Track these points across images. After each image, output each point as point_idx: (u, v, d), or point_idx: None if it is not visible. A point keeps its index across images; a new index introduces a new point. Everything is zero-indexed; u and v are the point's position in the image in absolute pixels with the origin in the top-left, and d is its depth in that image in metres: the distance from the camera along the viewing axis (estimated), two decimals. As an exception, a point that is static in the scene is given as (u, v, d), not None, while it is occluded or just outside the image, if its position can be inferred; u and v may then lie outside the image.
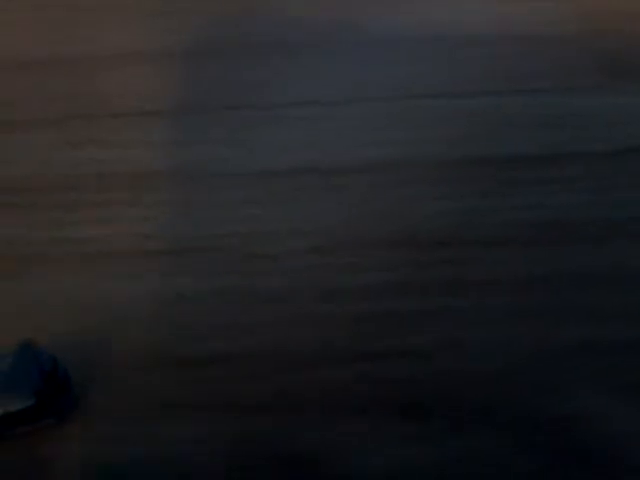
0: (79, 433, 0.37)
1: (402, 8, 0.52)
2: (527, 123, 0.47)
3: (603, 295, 0.42)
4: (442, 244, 0.43)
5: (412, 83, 0.48)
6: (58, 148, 0.47)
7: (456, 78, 0.49)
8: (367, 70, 0.49)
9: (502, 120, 0.47)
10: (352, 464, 0.37)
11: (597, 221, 0.44)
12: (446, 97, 0.48)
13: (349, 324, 0.41)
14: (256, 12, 0.51)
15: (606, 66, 0.50)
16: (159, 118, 0.48)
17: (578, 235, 0.44)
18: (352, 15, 0.51)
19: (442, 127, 0.47)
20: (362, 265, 0.43)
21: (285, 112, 0.48)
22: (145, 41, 0.50)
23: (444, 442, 0.38)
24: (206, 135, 0.47)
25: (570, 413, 0.39)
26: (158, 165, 0.46)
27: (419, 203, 0.45)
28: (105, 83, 0.49)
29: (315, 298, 0.42)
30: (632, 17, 0.52)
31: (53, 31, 0.52)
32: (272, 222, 0.44)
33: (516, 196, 0.45)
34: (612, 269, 0.43)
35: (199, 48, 0.51)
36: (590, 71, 0.50)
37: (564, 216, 0.44)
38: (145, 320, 0.41)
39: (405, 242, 0.43)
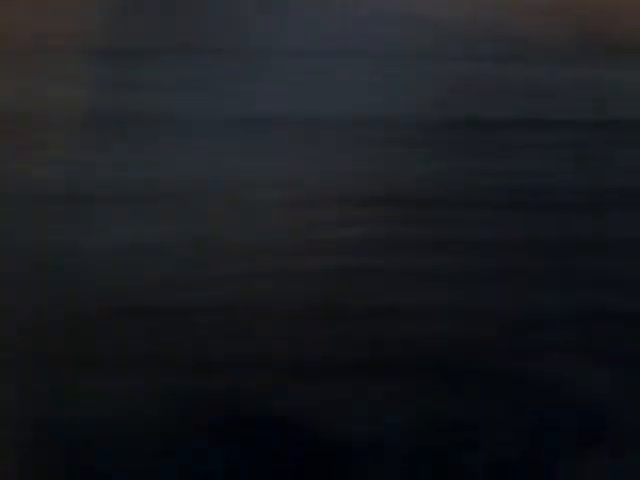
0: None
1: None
2: (514, 90, 0.46)
3: (583, 263, 0.41)
4: (424, 204, 0.42)
5: (401, 42, 0.47)
6: (20, 81, 0.45)
7: (447, 40, 0.48)
8: (360, 26, 0.48)
9: (490, 85, 0.46)
10: (335, 424, 0.36)
11: (580, 189, 0.43)
12: (436, 58, 0.47)
13: (328, 279, 0.40)
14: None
15: (593, 39, 0.50)
16: (141, 58, 0.46)
17: (561, 202, 0.43)
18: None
19: (429, 88, 0.46)
20: (342, 220, 0.42)
21: (269, 62, 0.46)
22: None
23: (424, 403, 0.37)
24: (181, 78, 0.45)
25: (551, 378, 0.38)
26: (132, 106, 0.44)
27: (403, 162, 0.44)
28: (73, 20, 0.47)
29: (294, 251, 0.40)
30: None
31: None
32: (249, 172, 0.43)
33: (501, 160, 0.44)
34: (593, 237, 0.42)
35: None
36: (578, 43, 0.49)
37: (547, 182, 0.44)
38: (105, 269, 0.40)
39: (388, 200, 0.42)
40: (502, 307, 0.40)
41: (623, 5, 0.51)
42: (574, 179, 0.43)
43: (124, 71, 0.45)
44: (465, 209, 0.42)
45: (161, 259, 0.40)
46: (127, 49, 0.46)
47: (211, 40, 0.47)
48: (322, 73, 0.46)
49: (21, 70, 0.45)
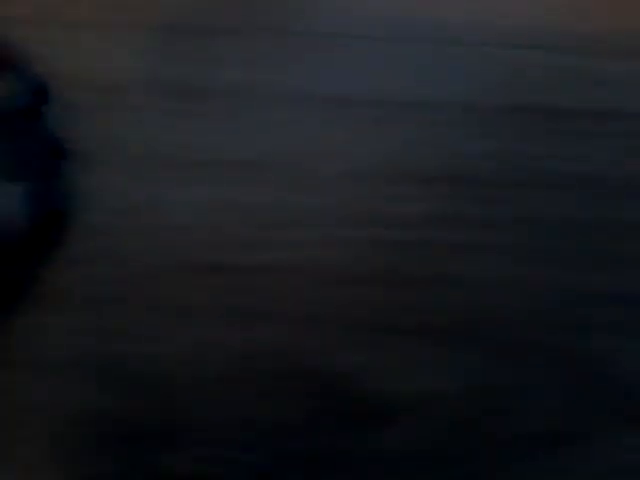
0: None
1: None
2: (575, 79, 0.48)
3: (632, 246, 0.42)
4: (476, 183, 0.44)
5: (463, 29, 0.49)
6: (101, 51, 0.47)
7: (507, 29, 0.49)
8: (421, 13, 0.49)
9: (551, 74, 0.47)
10: (383, 386, 0.38)
11: (632, 178, 0.44)
12: (496, 45, 0.48)
13: (380, 250, 0.42)
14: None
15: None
16: (210, 35, 0.48)
17: (612, 189, 0.44)
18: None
19: (489, 73, 0.47)
20: (398, 195, 0.44)
21: (335, 42, 0.48)
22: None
23: (463, 369, 0.39)
24: (258, 56, 0.47)
25: (585, 352, 0.39)
26: (203, 80, 0.46)
27: (458, 142, 0.45)
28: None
29: (350, 222, 0.42)
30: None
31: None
32: (313, 145, 0.45)
33: (555, 146, 0.45)
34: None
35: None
36: (636, 36, 0.50)
37: (600, 170, 0.45)
38: (182, 226, 0.42)
39: (440, 178, 0.44)
40: (546, 283, 0.41)
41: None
42: (627, 167, 0.44)
43: (197, 47, 0.48)
44: (520, 190, 0.44)
45: (231, 220, 0.42)
46: (201, 27, 0.48)
47: (280, 21, 0.49)
48: (384, 56, 0.48)
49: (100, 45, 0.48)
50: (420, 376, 0.38)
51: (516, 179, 0.44)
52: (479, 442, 0.37)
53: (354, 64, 0.48)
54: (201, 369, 0.37)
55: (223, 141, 0.45)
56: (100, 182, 0.43)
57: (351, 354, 0.38)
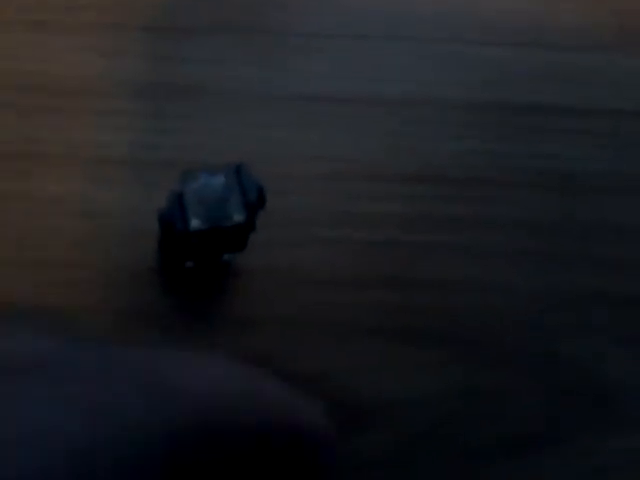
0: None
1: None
2: (554, 76, 0.47)
3: (615, 248, 0.42)
4: (456, 182, 0.43)
5: (444, 27, 0.48)
6: (86, 54, 0.46)
7: (486, 27, 0.49)
8: (402, 9, 0.49)
9: (531, 71, 0.47)
10: (361, 387, 0.37)
11: (614, 176, 0.44)
12: (476, 44, 0.48)
13: (360, 250, 0.41)
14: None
15: (631, 27, 0.50)
16: (191, 34, 0.47)
17: (594, 187, 0.44)
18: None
19: (469, 72, 0.47)
20: (377, 195, 0.43)
21: (312, 42, 0.48)
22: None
23: (446, 373, 0.38)
24: (236, 55, 0.47)
25: (569, 356, 0.39)
26: (183, 80, 0.45)
27: (439, 142, 0.45)
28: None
29: (330, 222, 0.42)
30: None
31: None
32: (293, 145, 0.44)
33: (536, 144, 0.45)
34: (628, 223, 0.43)
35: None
36: (618, 31, 0.50)
37: (582, 168, 0.44)
38: (146, 231, 0.41)
39: (421, 177, 0.44)
40: (529, 285, 0.41)
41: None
42: (605, 164, 0.44)
43: (171, 46, 0.47)
44: (497, 189, 0.43)
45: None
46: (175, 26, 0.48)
47: (252, 19, 0.48)
48: (360, 55, 0.48)
49: (76, 44, 0.47)
50: (398, 380, 0.38)
51: (496, 178, 0.44)
52: (459, 447, 0.37)
53: (329, 62, 0.47)
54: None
55: (200, 143, 0.44)
56: (65, 187, 0.42)
57: (328, 357, 0.38)
